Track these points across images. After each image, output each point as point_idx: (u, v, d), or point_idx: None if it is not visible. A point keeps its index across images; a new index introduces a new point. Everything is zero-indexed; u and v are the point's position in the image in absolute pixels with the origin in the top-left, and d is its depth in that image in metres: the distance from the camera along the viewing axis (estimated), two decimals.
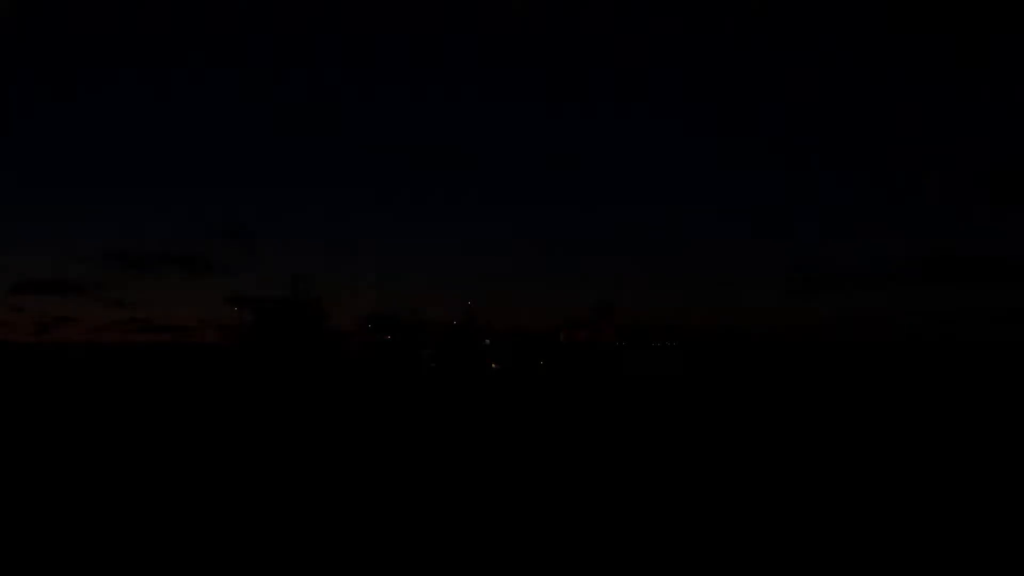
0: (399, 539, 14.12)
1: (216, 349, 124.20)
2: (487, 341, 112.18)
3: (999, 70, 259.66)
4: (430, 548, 13.55)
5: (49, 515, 15.83)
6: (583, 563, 12.74)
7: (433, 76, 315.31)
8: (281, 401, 46.20)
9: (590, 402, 46.36)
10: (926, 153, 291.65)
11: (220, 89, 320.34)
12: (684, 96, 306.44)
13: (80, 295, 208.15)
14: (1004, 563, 13.12)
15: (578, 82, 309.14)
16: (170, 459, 23.07)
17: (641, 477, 20.42)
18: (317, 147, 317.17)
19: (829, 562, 12.96)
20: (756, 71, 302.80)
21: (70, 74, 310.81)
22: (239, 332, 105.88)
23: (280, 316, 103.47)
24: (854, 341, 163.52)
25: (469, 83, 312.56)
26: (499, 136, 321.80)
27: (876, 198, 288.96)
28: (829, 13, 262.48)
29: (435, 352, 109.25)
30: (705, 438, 28.70)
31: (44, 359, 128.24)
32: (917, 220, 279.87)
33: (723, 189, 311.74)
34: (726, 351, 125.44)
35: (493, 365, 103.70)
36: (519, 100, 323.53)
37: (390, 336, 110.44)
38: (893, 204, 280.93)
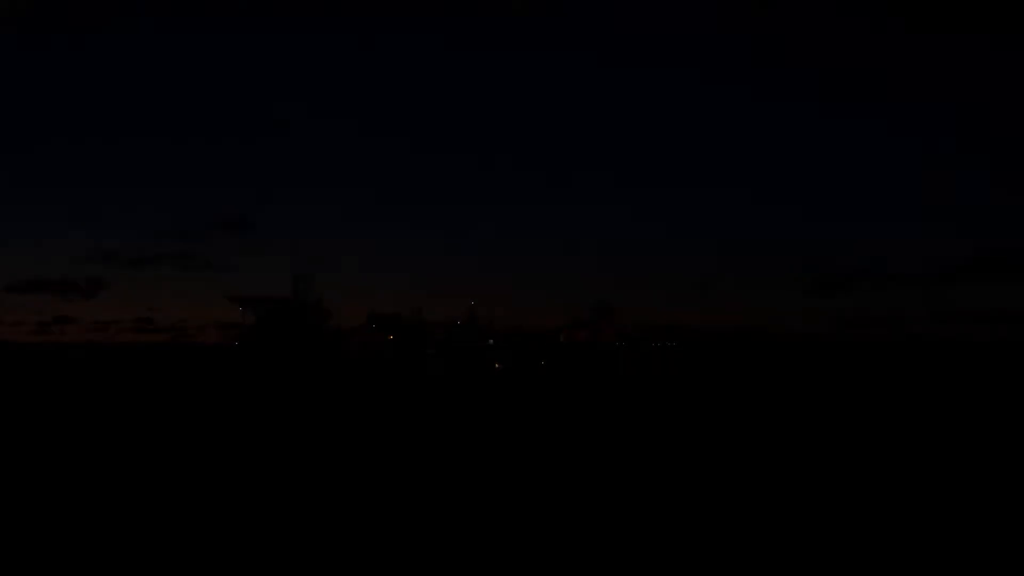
0: (402, 539, 14.03)
1: (216, 349, 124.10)
2: (490, 341, 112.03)
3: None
4: (433, 548, 13.47)
5: (50, 515, 15.74)
6: (584, 563, 12.66)
7: (434, 76, 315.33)
8: (282, 401, 46.07)
9: (591, 402, 46.28)
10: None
11: (220, 88, 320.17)
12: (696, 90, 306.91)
13: (80, 295, 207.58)
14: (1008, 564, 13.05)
15: (581, 80, 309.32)
16: (171, 459, 22.96)
17: (642, 477, 20.34)
18: (318, 147, 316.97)
19: (834, 563, 12.87)
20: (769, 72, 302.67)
21: (70, 74, 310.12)
22: (240, 332, 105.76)
23: (281, 316, 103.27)
24: (868, 340, 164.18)
25: (469, 82, 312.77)
26: (499, 135, 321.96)
27: (899, 196, 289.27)
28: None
29: (438, 352, 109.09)
30: (705, 438, 28.62)
31: (44, 359, 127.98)
32: (939, 219, 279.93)
33: (739, 186, 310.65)
34: (733, 351, 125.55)
35: (497, 365, 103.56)
36: (519, 99, 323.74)
37: (392, 336, 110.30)
38: (918, 202, 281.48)
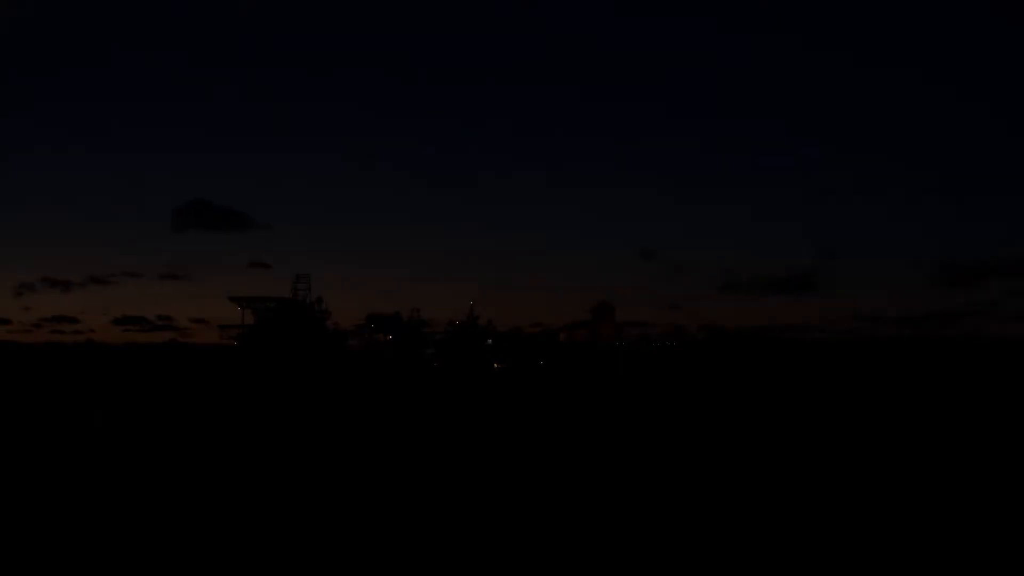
0: (402, 538, 14.05)
1: (216, 349, 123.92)
2: (489, 341, 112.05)
3: None
4: (432, 546, 13.50)
5: (51, 515, 15.78)
6: (584, 563, 12.69)
7: (433, 75, 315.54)
8: (282, 401, 46.10)
9: (590, 402, 46.29)
10: None
11: (221, 88, 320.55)
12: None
13: (81, 295, 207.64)
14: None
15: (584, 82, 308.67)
16: (171, 460, 22.98)
17: (641, 477, 20.36)
18: (319, 148, 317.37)
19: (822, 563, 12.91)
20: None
21: (71, 77, 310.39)
22: (240, 331, 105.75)
23: (281, 316, 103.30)
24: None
25: (470, 80, 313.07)
26: (499, 136, 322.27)
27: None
28: None
29: (437, 352, 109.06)
30: (705, 439, 28.62)
31: (45, 359, 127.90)
32: None
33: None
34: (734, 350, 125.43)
35: (496, 365, 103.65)
36: (519, 98, 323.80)
37: (391, 336, 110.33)
38: None
